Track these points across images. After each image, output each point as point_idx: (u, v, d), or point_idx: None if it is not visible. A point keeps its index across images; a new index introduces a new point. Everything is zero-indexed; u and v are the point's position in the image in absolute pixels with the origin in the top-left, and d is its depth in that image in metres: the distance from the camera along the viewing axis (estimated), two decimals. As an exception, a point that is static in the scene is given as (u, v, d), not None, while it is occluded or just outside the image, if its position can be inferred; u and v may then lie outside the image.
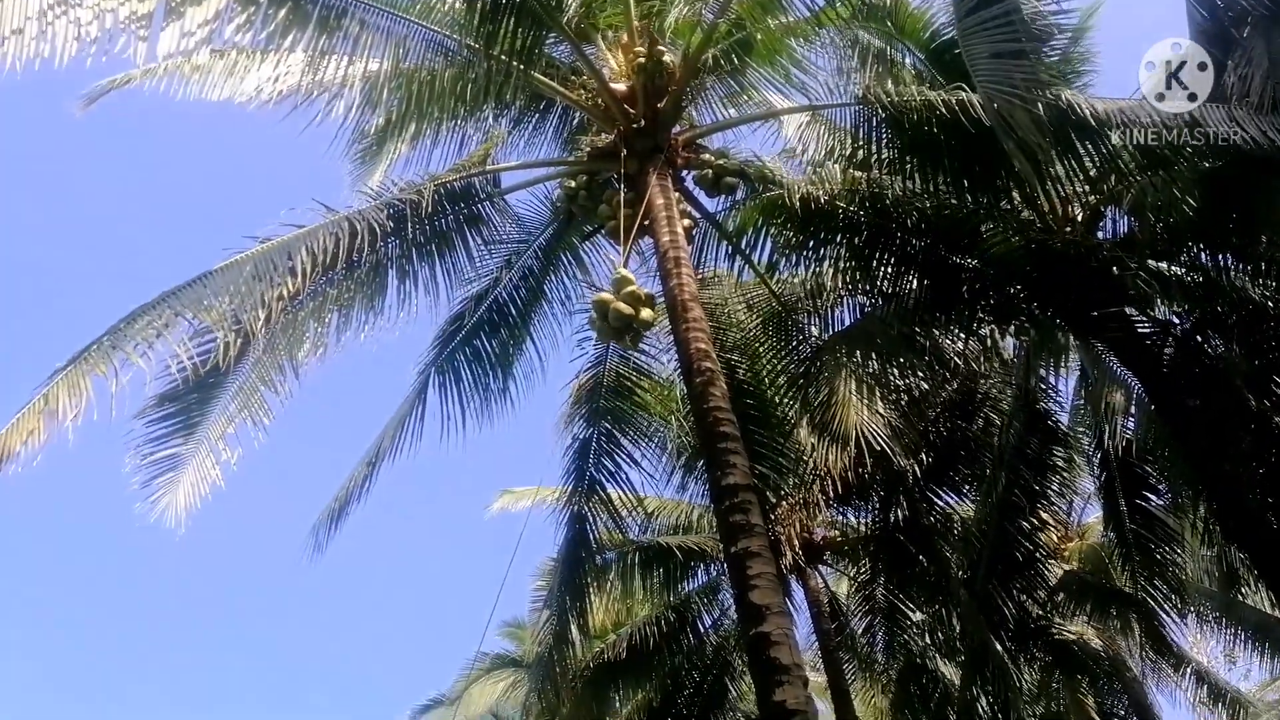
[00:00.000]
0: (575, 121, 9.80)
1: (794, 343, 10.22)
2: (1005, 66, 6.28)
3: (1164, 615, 11.27)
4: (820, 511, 12.92)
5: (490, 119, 9.39)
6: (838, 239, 9.20)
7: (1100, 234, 9.13)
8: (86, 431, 6.49)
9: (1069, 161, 7.30)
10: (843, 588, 14.84)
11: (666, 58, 8.62)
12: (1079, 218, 9.07)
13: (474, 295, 9.76)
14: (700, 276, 9.58)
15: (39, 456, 6.45)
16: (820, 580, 14.15)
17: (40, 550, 45.10)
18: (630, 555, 12.83)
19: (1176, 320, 9.27)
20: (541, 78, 8.72)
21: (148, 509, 7.78)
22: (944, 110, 7.51)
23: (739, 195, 9.29)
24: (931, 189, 8.50)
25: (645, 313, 7.67)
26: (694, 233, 9.16)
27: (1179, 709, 15.78)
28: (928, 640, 12.54)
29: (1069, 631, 13.66)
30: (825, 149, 9.39)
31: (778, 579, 6.21)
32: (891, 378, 9.93)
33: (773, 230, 9.48)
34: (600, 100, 8.82)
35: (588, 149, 9.03)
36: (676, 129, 9.01)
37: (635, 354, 10.05)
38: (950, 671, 12.95)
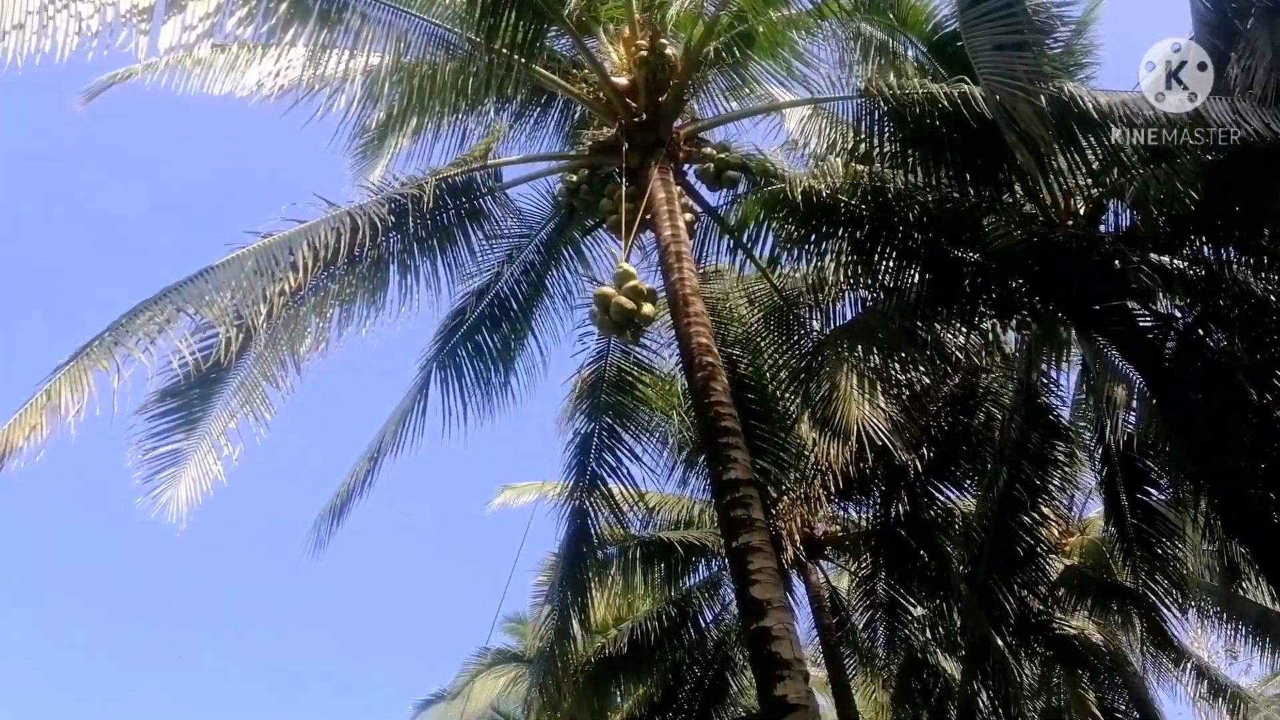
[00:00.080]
0: (577, 115, 9.79)
1: (795, 337, 10.22)
2: (1008, 59, 6.27)
3: (1165, 610, 11.28)
4: (821, 506, 12.92)
5: (491, 113, 9.38)
6: (839, 233, 9.19)
7: (1102, 227, 9.11)
8: (86, 427, 6.50)
9: (1071, 154, 7.29)
10: (844, 583, 14.86)
11: (668, 51, 8.61)
12: (1081, 211, 9.05)
13: (475, 290, 9.76)
14: (702, 271, 9.57)
15: (41, 452, 6.47)
16: (821, 575, 14.16)
17: (38, 548, 45.16)
18: (632, 550, 12.84)
19: (1178, 314, 9.26)
20: (543, 71, 8.71)
21: (149, 505, 7.79)
22: (946, 103, 7.50)
23: (741, 189, 9.29)
24: (933, 182, 8.49)
25: (647, 308, 7.66)
26: (695, 227, 9.16)
27: (1179, 704, 15.78)
28: (928, 635, 12.55)
29: (1070, 626, 13.67)
30: (827, 142, 9.37)
31: (779, 574, 6.22)
32: (893, 372, 9.93)
33: (774, 224, 9.47)
34: (602, 94, 8.81)
35: (589, 143, 9.03)
36: (678, 123, 9.00)
37: (636, 349, 10.05)
38: (951, 666, 12.97)
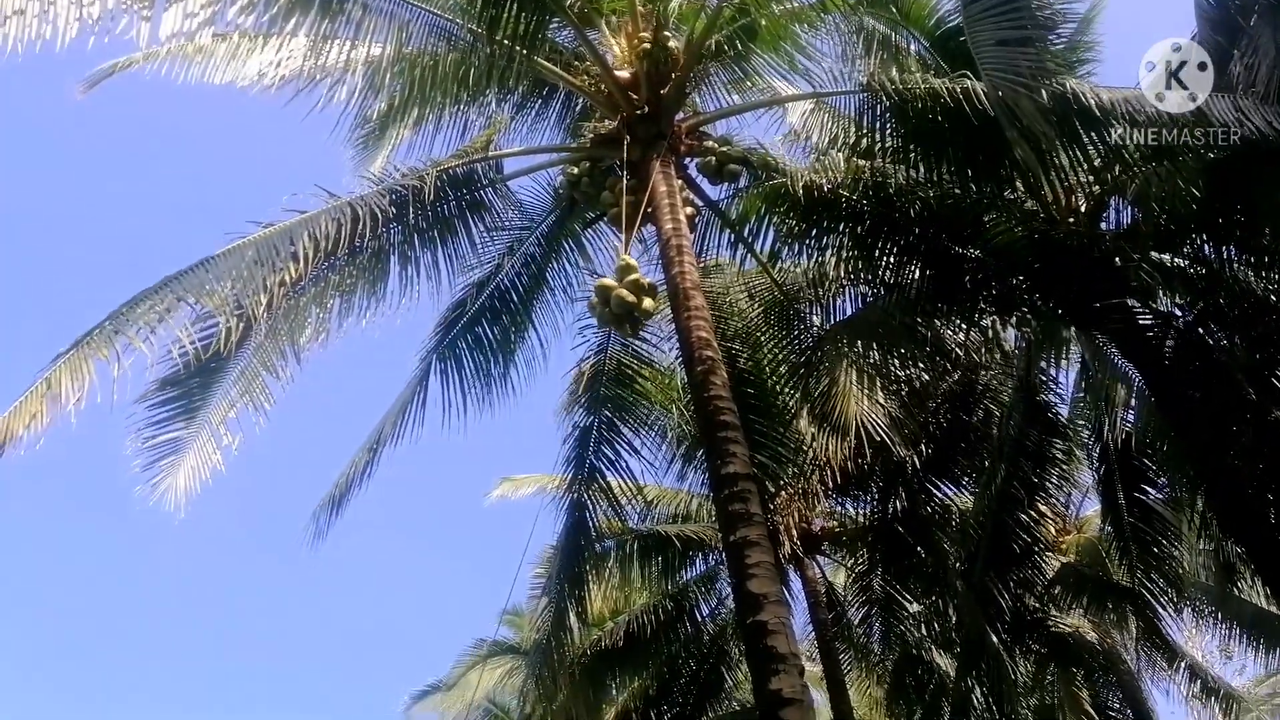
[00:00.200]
0: (578, 107, 9.77)
1: (795, 332, 10.22)
2: (1010, 54, 6.27)
3: (1160, 609, 11.31)
4: (819, 501, 12.94)
5: (493, 104, 9.36)
6: (840, 228, 9.19)
7: (1103, 225, 9.11)
8: (82, 418, 6.49)
9: (1073, 151, 7.29)
10: (840, 578, 14.90)
11: (670, 43, 8.60)
12: (1082, 208, 9.05)
13: (476, 282, 9.75)
14: (702, 264, 9.57)
15: (41, 440, 6.46)
16: (818, 570, 14.19)
17: (33, 544, 45.19)
18: (629, 543, 12.86)
19: (1178, 313, 9.26)
20: (545, 63, 8.69)
21: (148, 493, 7.80)
22: (948, 98, 7.49)
23: (742, 183, 9.28)
24: (935, 178, 8.49)
25: (647, 302, 7.66)
26: (696, 220, 9.15)
27: (1173, 703, 15.84)
28: (924, 631, 12.58)
29: (1065, 624, 13.71)
30: (829, 137, 9.37)
31: (775, 568, 6.22)
32: (892, 368, 9.94)
33: (775, 218, 9.46)
34: (604, 86, 8.79)
35: (591, 135, 9.00)
36: (680, 116, 8.99)
37: (636, 342, 10.05)
38: (946, 663, 13.01)
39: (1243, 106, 6.58)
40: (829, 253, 9.47)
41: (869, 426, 9.14)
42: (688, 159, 9.10)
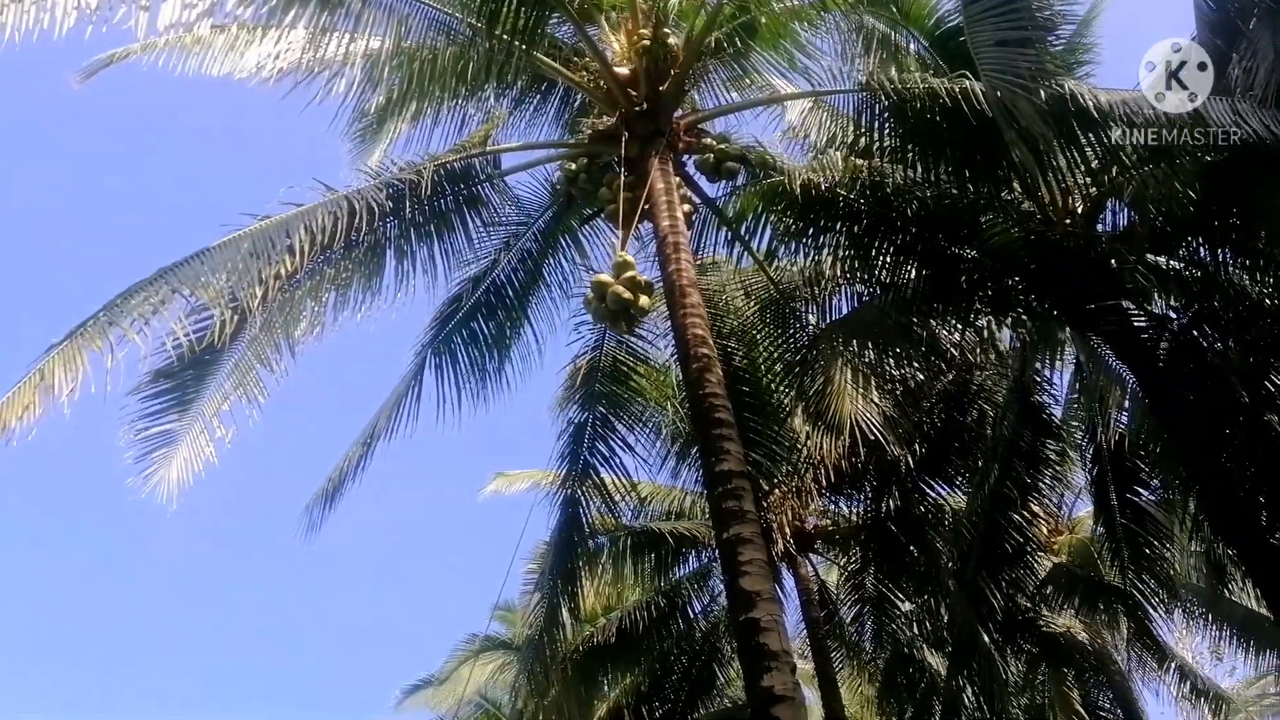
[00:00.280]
0: (577, 103, 9.75)
1: (791, 330, 10.22)
2: (1010, 55, 6.27)
3: (1151, 610, 11.36)
4: (813, 500, 12.96)
5: (491, 99, 9.34)
6: (837, 227, 9.19)
7: (1100, 226, 9.12)
8: (74, 411, 6.46)
9: (1071, 153, 7.29)
10: (833, 576, 14.92)
11: (670, 40, 8.58)
12: (1079, 210, 9.06)
13: (472, 277, 9.73)
14: (699, 262, 9.56)
15: (34, 431, 6.44)
16: (811, 568, 14.22)
17: (27, 537, 45.05)
18: (622, 540, 12.86)
19: (1173, 315, 9.29)
20: (544, 58, 8.68)
21: (140, 485, 7.78)
22: (947, 99, 7.49)
23: (740, 181, 9.27)
24: (932, 178, 8.49)
25: (643, 299, 7.65)
26: (694, 218, 9.15)
27: (1162, 704, 15.91)
28: (916, 630, 12.61)
29: (1056, 624, 13.75)
30: (827, 136, 9.37)
31: (768, 566, 6.24)
32: (887, 367, 9.96)
33: (772, 217, 9.46)
34: (602, 82, 8.78)
35: (589, 131, 8.99)
36: (678, 113, 8.98)
37: (632, 339, 10.04)
38: (937, 662, 13.05)
39: (1240, 110, 6.59)
40: (825, 251, 9.47)
41: (863, 425, 9.17)
42: (686, 156, 9.09)
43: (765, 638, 5.54)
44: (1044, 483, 11.30)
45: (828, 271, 9.76)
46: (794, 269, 10.26)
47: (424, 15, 8.19)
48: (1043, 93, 6.33)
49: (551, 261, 9.98)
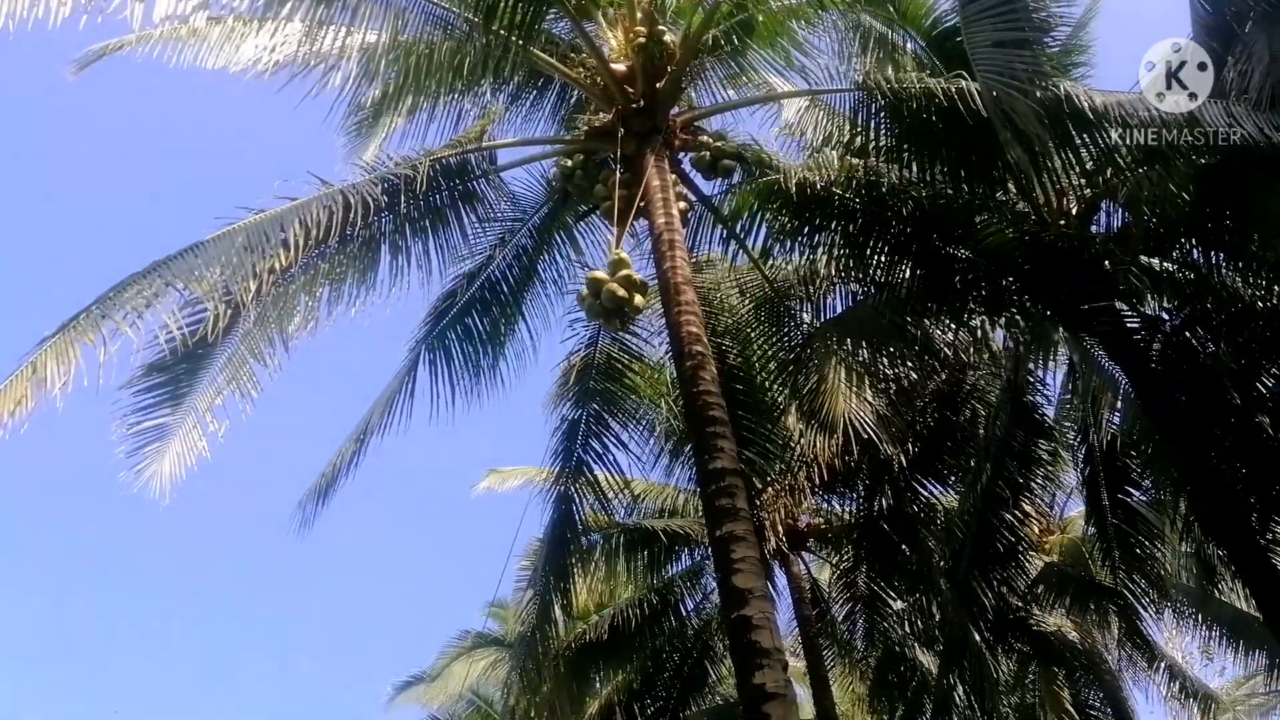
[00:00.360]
0: (573, 100, 9.74)
1: (785, 329, 10.24)
2: (1007, 56, 6.27)
3: (1141, 610, 11.41)
4: (805, 498, 12.98)
5: (488, 95, 9.32)
6: (832, 226, 9.21)
7: (1094, 228, 9.15)
8: (66, 403, 6.42)
9: (1066, 154, 7.30)
10: (825, 574, 14.94)
11: (667, 37, 8.58)
12: (1073, 211, 9.08)
13: (467, 273, 9.71)
14: (694, 260, 9.56)
15: (26, 425, 6.40)
16: (803, 567, 14.25)
17: (24, 533, 44.88)
18: (615, 537, 12.87)
19: (1166, 316, 9.32)
20: (540, 54, 8.66)
21: (132, 479, 7.74)
22: (943, 99, 7.51)
23: (735, 179, 9.28)
24: (927, 178, 8.51)
25: (638, 299, 7.66)
26: (689, 216, 9.15)
27: (1152, 703, 15.99)
28: (907, 629, 12.64)
29: (1047, 624, 13.80)
30: (823, 134, 9.37)
31: (761, 564, 6.24)
32: (881, 367, 9.97)
33: (768, 215, 9.46)
34: (599, 79, 8.77)
35: (585, 128, 8.99)
36: (675, 110, 8.97)
37: (626, 336, 10.04)
38: (928, 660, 13.08)
39: (1235, 112, 6.60)
40: (820, 250, 9.49)
41: (856, 424, 9.18)
42: (682, 154, 9.09)
43: (757, 635, 5.55)
44: (1036, 482, 11.32)
45: (822, 270, 9.77)
46: (789, 267, 10.28)
47: (421, 9, 8.16)
48: (1039, 94, 6.34)
49: (546, 258, 9.97)
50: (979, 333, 10.30)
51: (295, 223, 7.40)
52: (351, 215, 7.75)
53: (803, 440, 10.00)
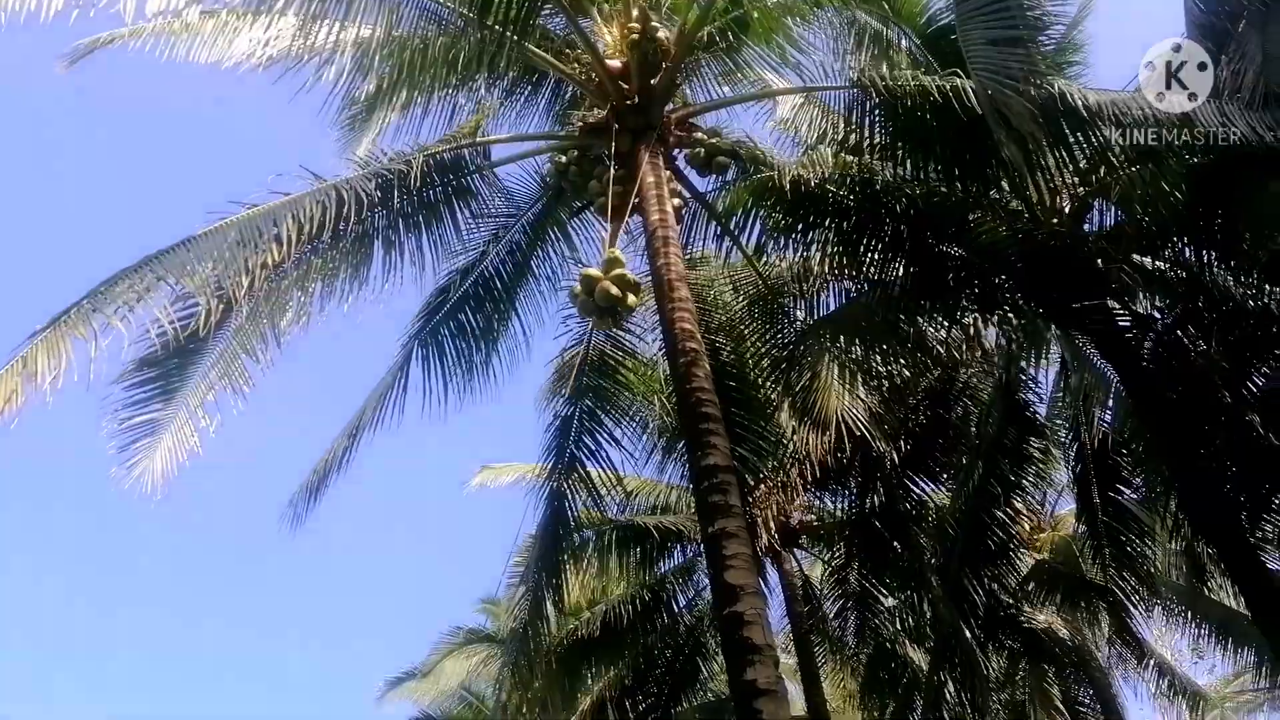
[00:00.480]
0: (568, 96, 9.72)
1: (779, 326, 10.25)
2: (1001, 53, 6.28)
3: (1132, 607, 11.46)
4: (798, 495, 13.01)
5: (482, 90, 9.29)
6: (826, 223, 9.21)
7: (1087, 226, 9.17)
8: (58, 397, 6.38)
9: (1059, 152, 7.32)
10: (817, 571, 14.98)
11: (662, 34, 8.56)
12: (1066, 209, 9.10)
13: (460, 268, 9.69)
14: (688, 257, 9.56)
15: (16, 420, 6.36)
16: (795, 563, 14.27)
17: (16, 530, 44.69)
18: (608, 534, 12.86)
19: (1158, 315, 9.35)
20: (535, 49, 8.64)
21: (124, 474, 7.70)
22: (937, 96, 7.51)
23: (730, 175, 9.28)
24: (921, 176, 8.53)
25: (631, 299, 7.66)
26: (683, 212, 9.14)
27: (1141, 701, 16.08)
28: (898, 626, 12.67)
29: (1038, 621, 13.85)
30: (818, 132, 9.38)
31: (753, 560, 6.25)
32: (874, 364, 10.01)
33: (762, 212, 9.47)
34: (594, 75, 8.76)
35: (580, 124, 8.97)
36: (670, 106, 8.96)
37: (619, 332, 10.04)
38: (919, 657, 13.11)
39: (1228, 112, 6.62)
40: (814, 247, 9.49)
41: (849, 421, 9.21)
42: (676, 150, 9.08)
43: (749, 632, 5.56)
44: (1027, 480, 11.37)
45: (816, 267, 9.78)
46: (783, 265, 10.29)
47: (415, 4, 8.11)
48: (1033, 92, 6.35)
49: (540, 254, 9.96)
50: (971, 330, 10.33)
51: (288, 218, 7.36)
52: (345, 210, 7.71)
53: (795, 437, 10.02)
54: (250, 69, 8.17)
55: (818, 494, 13.18)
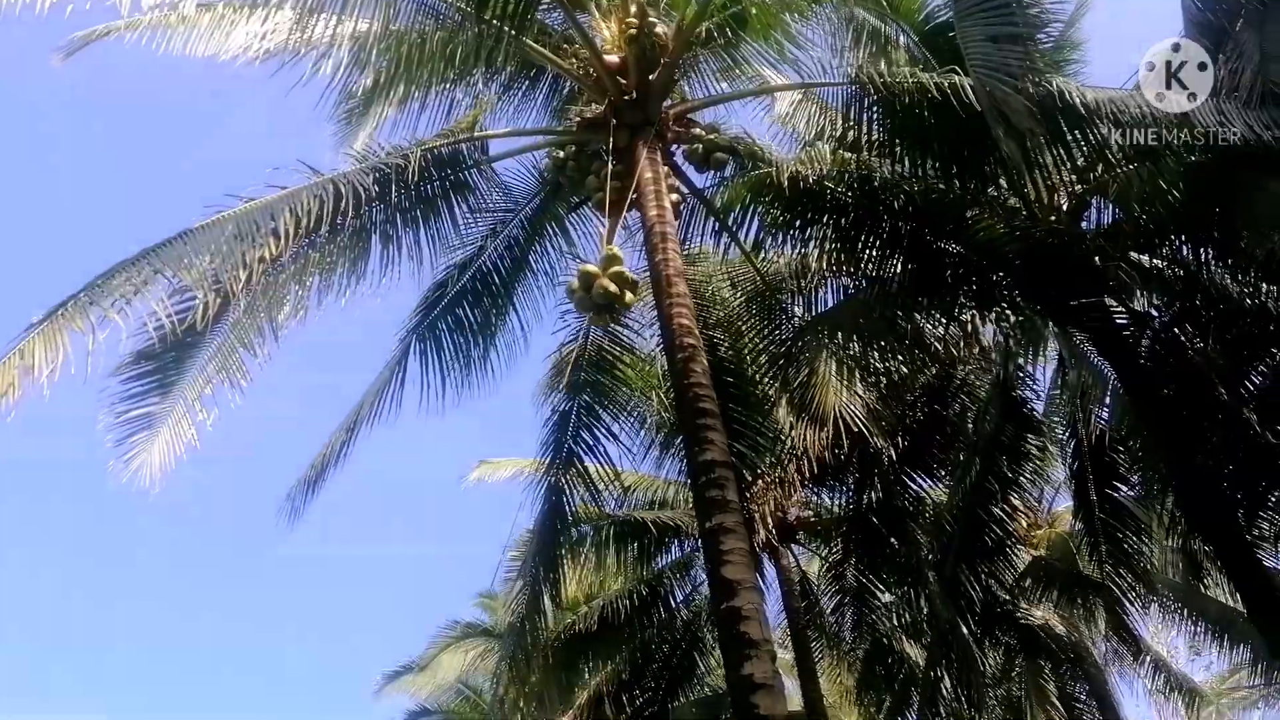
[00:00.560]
0: (566, 91, 9.70)
1: (777, 322, 10.25)
2: (1000, 51, 6.29)
3: (1128, 604, 11.48)
4: (795, 491, 13.02)
5: (480, 84, 9.26)
6: (824, 219, 9.21)
7: (1084, 224, 9.18)
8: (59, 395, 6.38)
9: (1057, 150, 7.31)
10: (814, 567, 15.01)
11: (660, 29, 8.55)
12: (1064, 207, 9.10)
13: (458, 263, 9.68)
14: (686, 252, 9.55)
15: (13, 413, 6.36)
16: (792, 559, 14.30)
17: (11, 524, 44.67)
18: (605, 529, 12.89)
19: (1155, 313, 9.36)
20: (533, 44, 8.62)
21: (121, 467, 7.70)
22: (935, 93, 7.49)
23: (728, 171, 9.27)
24: (919, 173, 8.52)
25: (629, 296, 7.67)
26: (681, 208, 9.13)
27: (1136, 697, 16.12)
28: (895, 621, 12.70)
29: (1034, 617, 13.88)
30: (816, 129, 9.37)
31: (750, 555, 6.27)
32: (872, 360, 10.01)
33: (760, 208, 9.46)
34: (592, 70, 8.74)
35: (578, 119, 8.96)
36: (668, 102, 8.95)
37: (617, 328, 10.04)
38: (916, 653, 13.15)
39: (1225, 110, 6.63)
40: (812, 244, 9.49)
41: (847, 417, 9.22)
42: (674, 146, 9.07)
43: (746, 626, 5.58)
44: (1024, 477, 11.39)
45: (814, 264, 9.79)
46: (780, 261, 10.29)
47: (413, -2, 8.11)
48: (1031, 89, 6.35)
49: (538, 249, 9.95)
50: (969, 327, 10.34)
51: (286, 211, 7.35)
52: (342, 204, 7.71)
53: (793, 433, 10.03)
54: (247, 63, 8.14)
55: (815, 490, 13.19)
